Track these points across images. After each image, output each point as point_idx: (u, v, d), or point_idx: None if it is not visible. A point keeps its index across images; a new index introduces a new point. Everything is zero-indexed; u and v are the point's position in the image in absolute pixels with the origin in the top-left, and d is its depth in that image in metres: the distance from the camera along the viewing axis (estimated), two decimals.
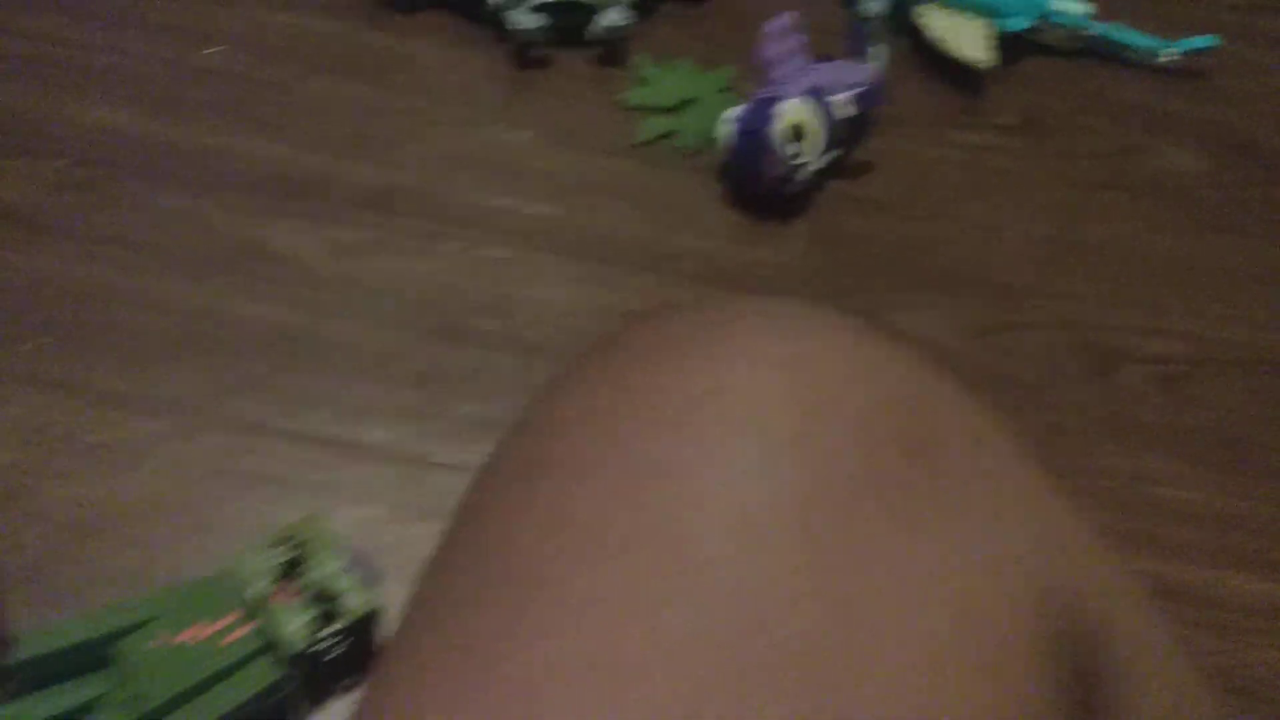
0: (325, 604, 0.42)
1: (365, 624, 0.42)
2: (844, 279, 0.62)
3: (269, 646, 0.41)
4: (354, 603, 0.42)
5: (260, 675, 0.41)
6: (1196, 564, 0.53)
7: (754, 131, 0.62)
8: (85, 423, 0.50)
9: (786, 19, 0.65)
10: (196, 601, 0.41)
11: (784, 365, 0.27)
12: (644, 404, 0.27)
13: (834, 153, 0.66)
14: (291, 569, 0.42)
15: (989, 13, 0.74)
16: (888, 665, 0.23)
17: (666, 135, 0.68)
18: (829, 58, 0.69)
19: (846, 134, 0.66)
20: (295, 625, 0.41)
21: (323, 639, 0.41)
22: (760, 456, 0.25)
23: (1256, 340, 0.64)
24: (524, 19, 0.68)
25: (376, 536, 0.48)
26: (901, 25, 0.75)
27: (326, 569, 0.42)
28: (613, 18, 0.69)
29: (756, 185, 0.64)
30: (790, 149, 0.62)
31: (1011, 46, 0.75)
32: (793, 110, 0.62)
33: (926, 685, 0.23)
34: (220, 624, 0.41)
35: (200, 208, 0.59)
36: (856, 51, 0.71)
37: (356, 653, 0.43)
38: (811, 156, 0.63)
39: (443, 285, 0.57)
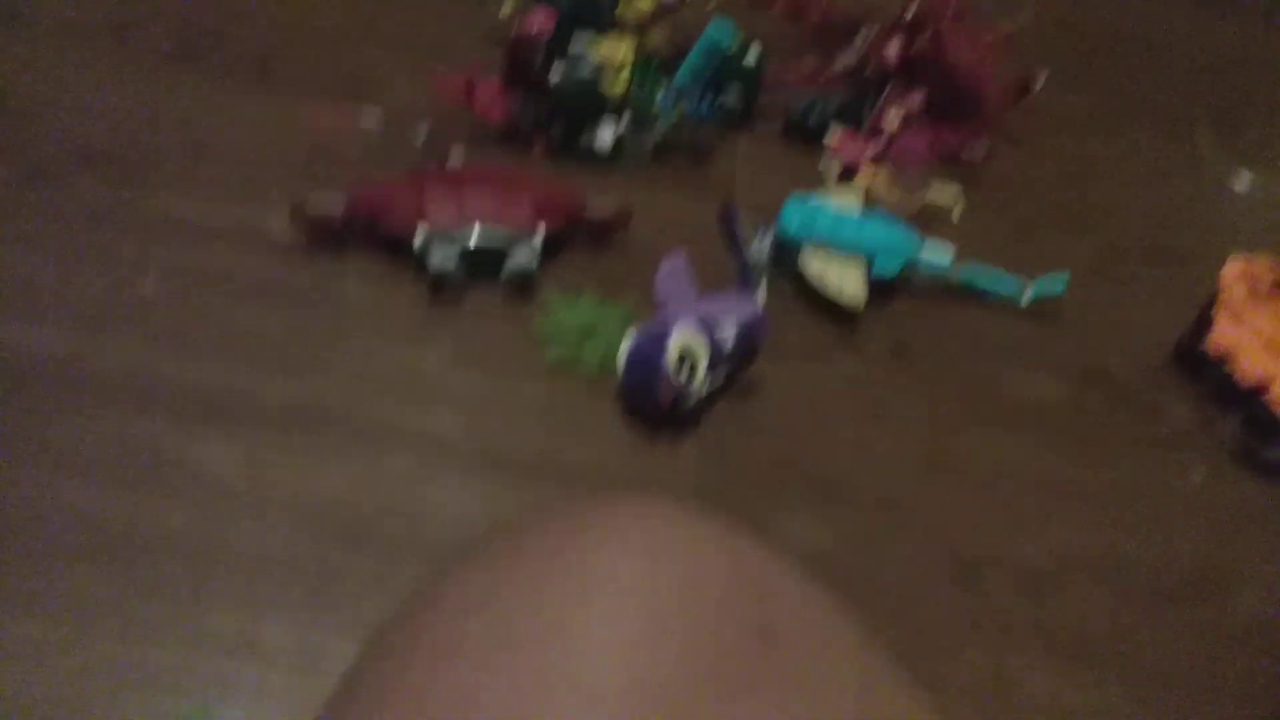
0: None
1: None
2: (730, 491, 0.67)
3: None
4: None
5: None
6: None
7: (647, 358, 0.68)
8: None
9: (680, 258, 0.72)
10: None
11: (646, 555, 0.30)
12: (515, 588, 0.30)
13: (721, 378, 0.72)
14: None
15: (863, 258, 0.83)
16: None
17: (570, 361, 0.73)
18: (717, 293, 0.76)
19: (733, 361, 0.73)
20: None
21: None
22: (618, 640, 0.28)
23: (1111, 550, 0.69)
24: (443, 260, 0.75)
25: None
26: (787, 267, 0.83)
27: None
28: (522, 260, 0.76)
29: (651, 406, 0.69)
30: (680, 373, 0.68)
31: (884, 287, 0.83)
32: (682, 338, 0.69)
33: None
34: None
35: (124, 424, 0.63)
36: (744, 290, 0.78)
37: None
38: (700, 381, 0.69)
39: (350, 494, 0.61)
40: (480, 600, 0.30)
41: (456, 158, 0.84)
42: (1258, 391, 0.80)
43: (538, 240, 0.77)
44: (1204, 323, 0.87)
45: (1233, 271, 0.88)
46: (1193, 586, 0.68)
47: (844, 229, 0.83)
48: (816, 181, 0.94)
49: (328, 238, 0.77)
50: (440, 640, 0.29)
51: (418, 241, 0.75)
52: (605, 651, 0.27)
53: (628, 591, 0.29)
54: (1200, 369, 0.84)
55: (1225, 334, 0.85)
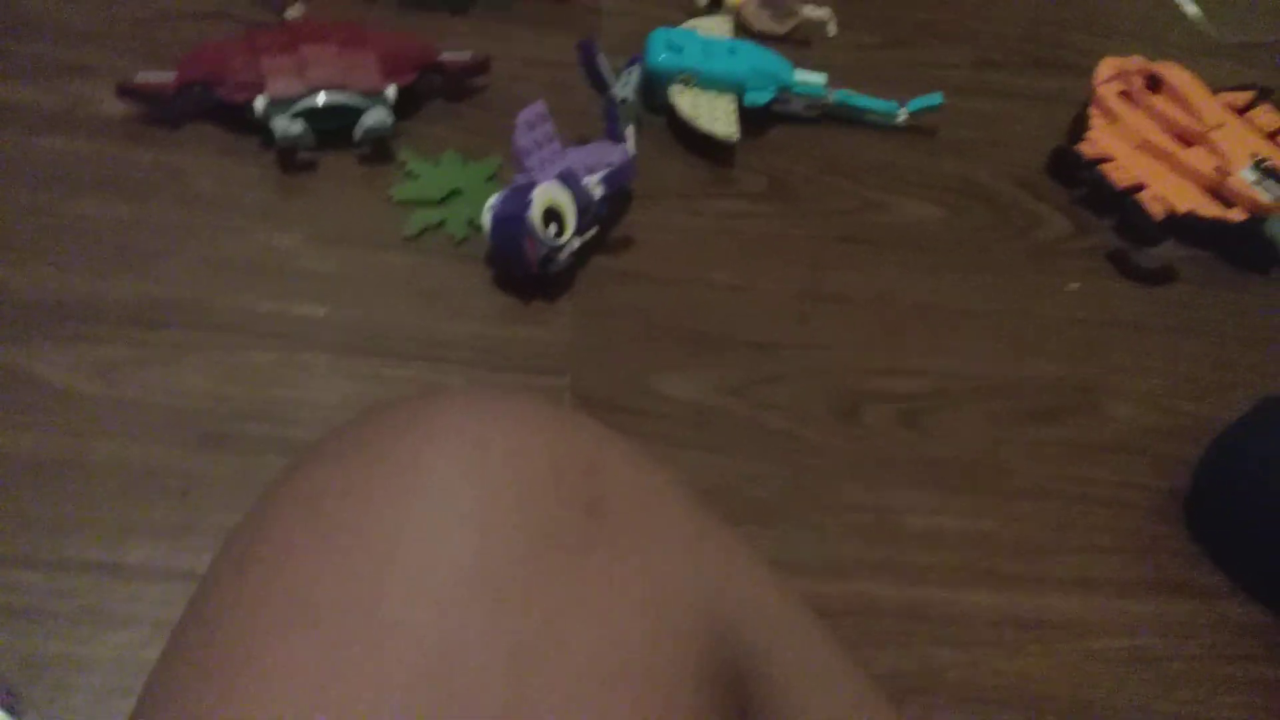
0: None
1: None
2: (610, 350, 0.66)
3: None
4: None
5: None
6: (938, 585, 0.58)
7: (512, 217, 0.65)
8: None
9: (538, 108, 0.68)
10: None
11: (474, 443, 0.30)
12: (347, 488, 0.30)
13: (592, 230, 0.70)
14: None
15: (733, 89, 0.80)
16: (556, 698, 0.26)
17: (435, 226, 0.70)
18: (586, 140, 0.73)
19: (603, 211, 0.70)
20: None
21: None
22: (447, 524, 0.28)
23: (989, 372, 0.70)
24: (288, 125, 0.70)
25: (138, 658, 0.48)
26: (656, 105, 0.80)
27: None
28: (375, 118, 0.72)
29: (520, 268, 0.67)
30: (548, 230, 0.65)
31: (757, 118, 0.81)
32: (546, 194, 0.66)
33: (595, 711, 0.26)
34: None
35: None
36: (612, 133, 0.75)
37: None
38: (569, 237, 0.67)
39: (208, 394, 0.58)
40: (308, 504, 0.30)
41: (296, 12, 0.78)
42: (1131, 192, 0.80)
43: (389, 96, 0.73)
44: (1079, 127, 0.86)
45: (1106, 72, 0.87)
46: (1067, 402, 0.69)
47: (714, 59, 0.80)
48: (685, 9, 0.90)
49: (162, 113, 0.71)
50: (275, 548, 0.29)
51: (258, 111, 0.70)
52: (436, 538, 0.28)
53: (455, 479, 0.29)
54: (1076, 175, 0.83)
55: (1099, 136, 0.84)
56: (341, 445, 0.32)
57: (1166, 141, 0.83)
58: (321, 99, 0.71)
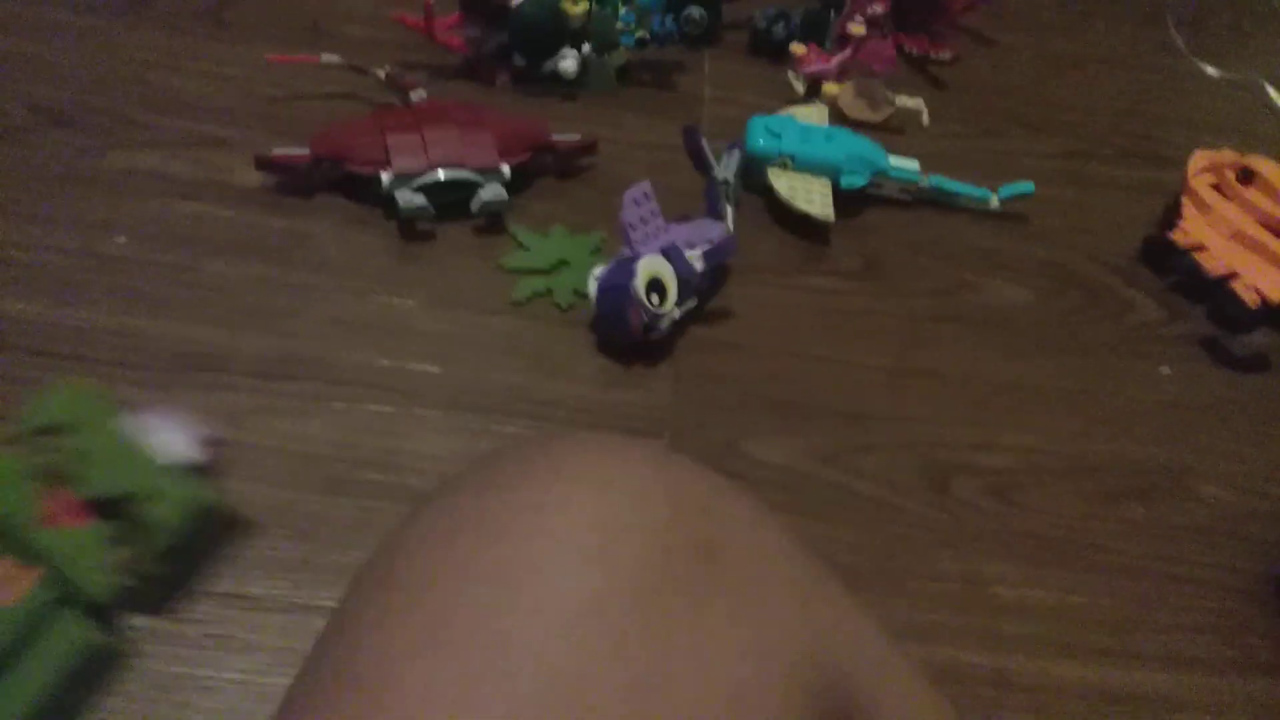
0: (125, 515, 0.25)
1: (192, 529, 0.26)
2: (705, 415, 0.68)
3: (66, 596, 0.26)
4: (165, 510, 0.25)
5: (67, 637, 0.27)
6: (1027, 655, 0.59)
7: (618, 286, 0.69)
8: None
9: (644, 186, 0.72)
10: None
11: (596, 485, 0.32)
12: (481, 522, 0.32)
13: (692, 302, 0.73)
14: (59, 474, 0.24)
15: (829, 173, 0.83)
16: None
17: (542, 294, 0.74)
18: (687, 217, 0.76)
19: (703, 284, 0.73)
20: (89, 560, 0.25)
21: (134, 568, 0.25)
22: (573, 562, 0.30)
23: (1078, 451, 0.70)
24: (410, 197, 0.75)
25: (258, 683, 0.51)
26: (755, 186, 0.83)
27: (115, 465, 0.24)
28: (491, 193, 0.77)
29: (623, 334, 0.70)
30: (651, 299, 0.69)
31: (853, 201, 0.84)
32: (650, 265, 0.69)
33: None
34: None
35: (103, 386, 0.63)
36: (713, 211, 0.79)
37: (189, 559, 0.26)
38: (670, 306, 0.70)
39: (330, 442, 0.62)
40: (446, 537, 0.32)
41: (419, 95, 0.84)
42: (1225, 281, 0.81)
43: (504, 173, 0.77)
44: (1171, 216, 0.88)
45: (1198, 164, 0.89)
46: (1157, 483, 0.70)
47: (811, 143, 0.83)
48: (783, 97, 0.94)
49: (295, 184, 0.77)
50: (414, 576, 0.31)
51: (384, 184, 0.75)
52: (563, 575, 0.30)
53: (580, 518, 0.31)
54: (1168, 262, 0.85)
55: (1192, 225, 0.86)
56: (478, 481, 0.34)
57: (1259, 232, 0.84)
58: (442, 174, 0.76)
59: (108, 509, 0.26)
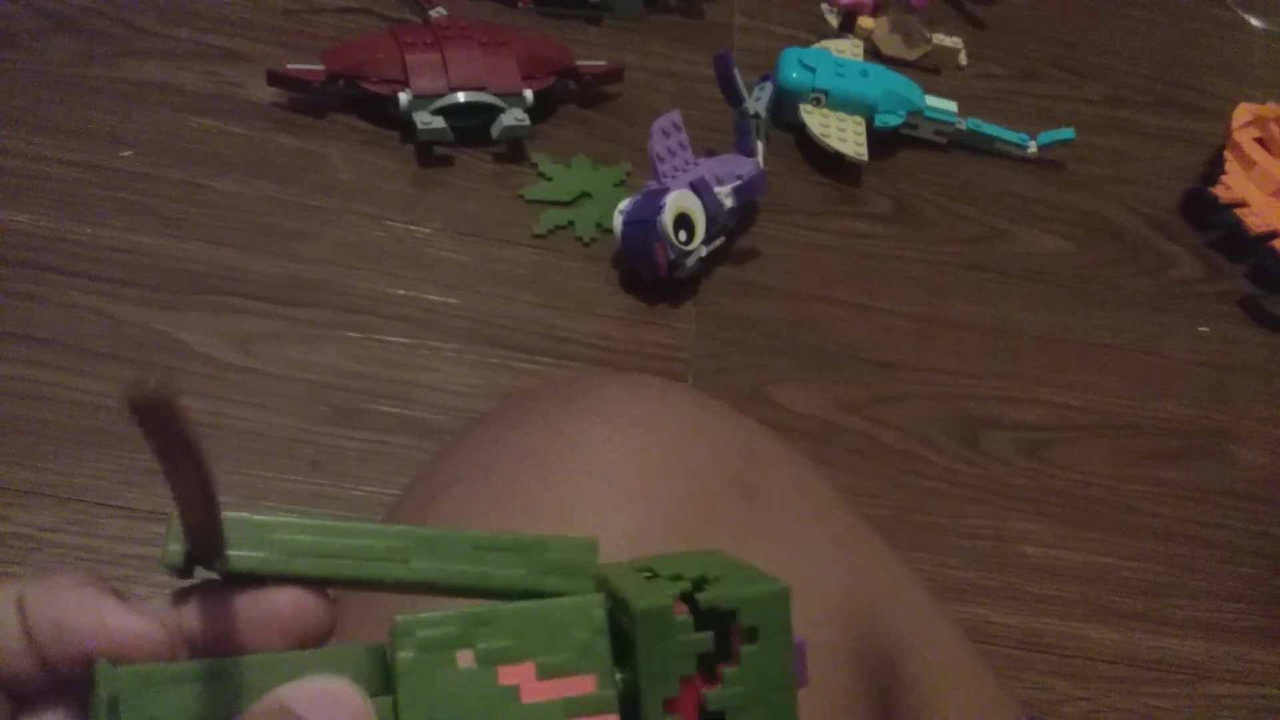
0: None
1: None
2: (730, 357, 0.66)
3: None
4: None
5: None
6: (1057, 616, 0.57)
7: (644, 221, 0.66)
8: None
9: (674, 117, 0.69)
10: (536, 627, 0.21)
11: (639, 425, 0.32)
12: (516, 457, 0.31)
13: (719, 240, 0.70)
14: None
15: (864, 111, 0.80)
16: None
17: (563, 226, 0.72)
18: (715, 152, 0.74)
19: (730, 223, 0.71)
20: None
21: None
22: (615, 499, 0.30)
23: (1112, 408, 0.68)
24: (429, 120, 0.72)
25: None
26: (785, 122, 0.80)
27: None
28: (513, 119, 0.74)
29: (648, 271, 0.68)
30: (678, 236, 0.66)
31: (886, 141, 0.81)
32: (679, 200, 0.67)
33: None
34: (576, 683, 0.20)
35: (108, 304, 0.61)
36: (742, 146, 0.76)
37: None
38: (698, 243, 0.67)
39: (342, 371, 0.60)
40: (485, 469, 0.31)
41: (438, 13, 0.80)
42: (1267, 239, 0.79)
43: (527, 99, 0.74)
44: (1213, 170, 0.85)
45: (1242, 118, 0.85)
46: (1194, 445, 0.68)
47: (846, 79, 0.80)
48: (816, 30, 0.90)
49: (308, 101, 0.74)
50: (455, 505, 0.31)
51: (401, 105, 0.72)
52: (603, 507, 0.30)
53: (622, 456, 0.31)
54: (1209, 218, 0.82)
55: (1235, 180, 0.83)
56: (516, 416, 0.33)
57: None
58: (462, 97, 0.73)
59: None
